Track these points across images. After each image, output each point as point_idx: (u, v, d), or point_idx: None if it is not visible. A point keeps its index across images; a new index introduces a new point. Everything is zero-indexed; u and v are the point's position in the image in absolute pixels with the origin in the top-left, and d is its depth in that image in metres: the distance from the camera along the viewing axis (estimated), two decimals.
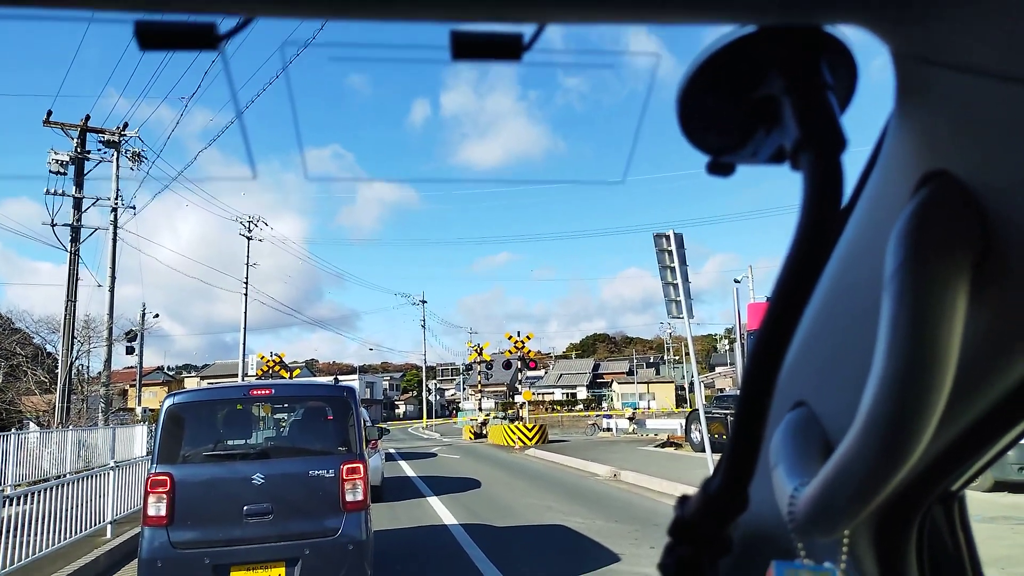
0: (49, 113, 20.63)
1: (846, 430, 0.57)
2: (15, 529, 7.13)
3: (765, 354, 0.51)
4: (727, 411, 18.80)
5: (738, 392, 0.54)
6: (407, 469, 19.38)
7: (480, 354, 36.00)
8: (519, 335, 31.96)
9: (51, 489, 8.14)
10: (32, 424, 20.11)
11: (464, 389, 75.22)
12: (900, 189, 0.57)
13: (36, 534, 7.55)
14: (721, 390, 39.45)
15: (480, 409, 43.28)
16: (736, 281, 28.40)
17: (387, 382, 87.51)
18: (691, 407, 33.64)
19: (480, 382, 40.83)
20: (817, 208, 0.47)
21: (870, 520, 0.75)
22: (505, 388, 62.66)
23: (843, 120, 0.49)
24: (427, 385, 70.33)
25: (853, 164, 0.54)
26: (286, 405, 7.02)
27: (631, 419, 35.23)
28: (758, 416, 0.54)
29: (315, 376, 63.63)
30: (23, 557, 7.17)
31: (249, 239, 36.59)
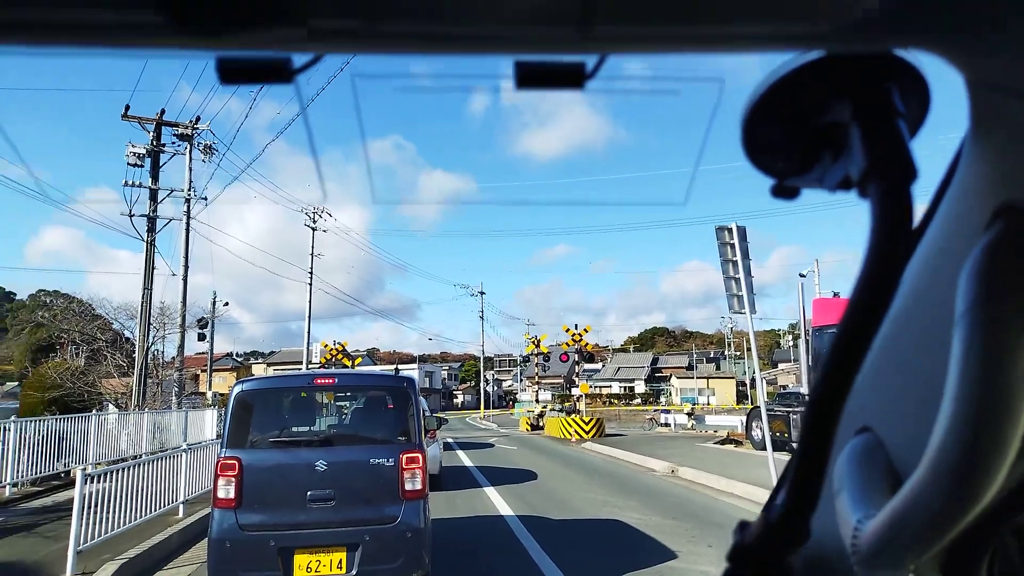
0: (127, 108, 21.48)
1: (912, 459, 0.55)
2: (95, 506, 7.53)
3: (833, 382, 0.50)
4: (790, 409, 18.32)
5: (802, 390, 0.53)
6: (465, 459, 19.60)
7: (537, 346, 35.97)
8: (576, 327, 31.93)
9: (129, 469, 8.55)
10: (111, 406, 21.12)
11: (521, 380, 75.50)
12: (973, 221, 0.55)
13: (114, 511, 7.96)
14: (784, 387, 38.45)
15: (537, 401, 43.41)
16: (801, 275, 27.60)
17: (446, 372, 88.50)
18: (752, 404, 32.93)
19: (537, 374, 40.93)
20: (885, 239, 0.46)
21: (937, 553, 0.72)
22: (562, 380, 62.59)
23: (913, 143, 0.48)
24: (485, 376, 70.81)
25: (924, 186, 0.52)
26: (348, 394, 7.20)
27: (690, 414, 34.67)
28: (823, 443, 0.53)
29: (376, 364, 64.85)
30: (103, 532, 7.57)
31: (314, 230, 37.51)
